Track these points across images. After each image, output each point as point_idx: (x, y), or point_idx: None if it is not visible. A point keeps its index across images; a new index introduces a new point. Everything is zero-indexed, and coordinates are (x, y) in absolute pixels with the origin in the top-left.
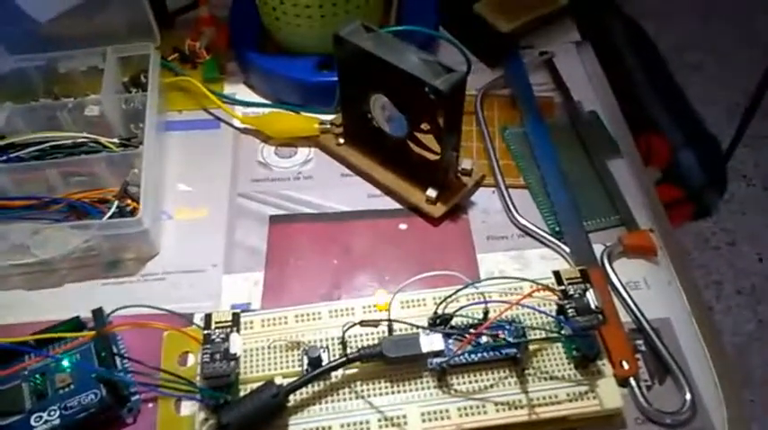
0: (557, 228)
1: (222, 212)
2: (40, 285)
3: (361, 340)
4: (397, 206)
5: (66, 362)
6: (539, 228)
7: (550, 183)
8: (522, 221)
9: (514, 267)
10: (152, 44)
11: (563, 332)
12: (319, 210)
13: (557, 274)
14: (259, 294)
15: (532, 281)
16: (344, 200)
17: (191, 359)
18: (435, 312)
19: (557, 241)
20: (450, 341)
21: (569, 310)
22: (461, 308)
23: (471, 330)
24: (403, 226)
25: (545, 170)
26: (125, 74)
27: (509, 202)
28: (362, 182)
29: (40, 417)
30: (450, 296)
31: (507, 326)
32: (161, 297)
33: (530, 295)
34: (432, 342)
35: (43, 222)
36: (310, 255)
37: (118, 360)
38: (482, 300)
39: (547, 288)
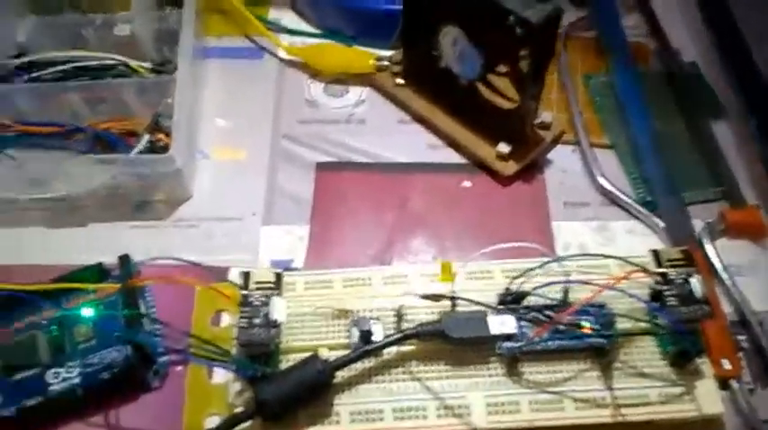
0: (647, 198)
1: (263, 155)
2: (61, 223)
3: (418, 314)
4: (462, 160)
5: (87, 312)
6: (626, 196)
7: (641, 145)
8: (607, 187)
9: (596, 240)
10: None
11: (658, 322)
12: (372, 160)
13: (655, 254)
14: (303, 250)
15: (623, 259)
16: (401, 149)
17: (225, 319)
18: (507, 289)
19: (648, 213)
20: (524, 323)
21: (669, 298)
22: (539, 287)
23: (549, 313)
24: (467, 183)
25: (635, 128)
26: None
27: (592, 164)
28: (422, 130)
29: (58, 374)
30: (528, 270)
31: (591, 311)
32: (193, 246)
33: (626, 277)
34: (502, 323)
35: (66, 153)
36: (360, 210)
37: (147, 323)
38: (563, 278)
39: (644, 270)
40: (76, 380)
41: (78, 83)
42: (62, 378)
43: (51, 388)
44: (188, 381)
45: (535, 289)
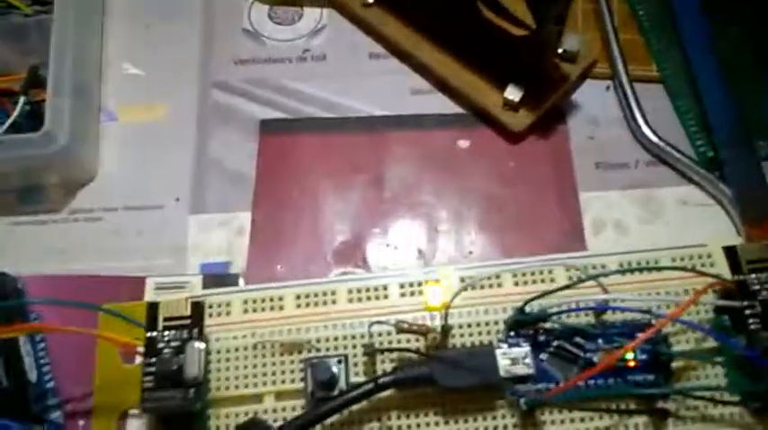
0: (709, 153)
1: (189, 112)
2: None
3: (399, 343)
4: (457, 110)
5: None
6: (680, 152)
7: (702, 77)
8: (654, 139)
9: (639, 216)
10: None
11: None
12: (335, 113)
13: (730, 253)
14: (243, 249)
15: (681, 268)
16: (374, 97)
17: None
18: (521, 309)
19: (710, 175)
20: (544, 356)
21: (749, 319)
22: (562, 309)
23: (580, 340)
24: (464, 143)
25: (692, 54)
26: None
27: (633, 106)
28: (403, 69)
29: None
30: (548, 293)
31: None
32: (97, 246)
33: (693, 302)
34: (514, 359)
35: None
36: (320, 187)
37: (31, 367)
38: (598, 294)
39: (721, 281)
40: None
41: None
42: None
43: None
44: None
45: (557, 311)
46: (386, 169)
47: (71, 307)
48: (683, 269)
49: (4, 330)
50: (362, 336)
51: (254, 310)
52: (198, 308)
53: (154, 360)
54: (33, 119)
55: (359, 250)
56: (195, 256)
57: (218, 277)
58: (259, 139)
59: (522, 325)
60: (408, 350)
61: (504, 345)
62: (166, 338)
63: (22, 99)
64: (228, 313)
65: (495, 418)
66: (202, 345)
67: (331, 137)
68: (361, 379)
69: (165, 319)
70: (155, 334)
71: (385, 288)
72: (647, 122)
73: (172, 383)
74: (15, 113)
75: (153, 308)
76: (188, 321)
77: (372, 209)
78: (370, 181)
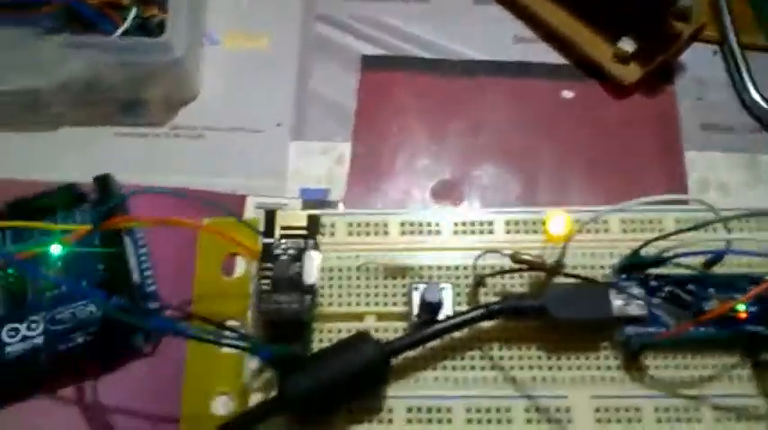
0: None
1: (292, 43)
2: (23, 126)
3: (502, 278)
4: (562, 61)
5: (55, 249)
6: None
7: None
8: (763, 105)
9: (742, 180)
10: None
11: None
12: (437, 55)
13: None
14: (342, 177)
15: None
16: (477, 41)
17: (240, 265)
18: (636, 252)
19: None
20: (656, 301)
21: None
22: (676, 252)
23: (692, 288)
24: (568, 93)
25: None
26: None
27: (742, 71)
28: (508, 15)
29: (16, 331)
30: (667, 236)
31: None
32: (197, 163)
33: None
34: (626, 300)
35: (28, 30)
36: (420, 126)
37: (134, 265)
38: (716, 240)
39: None
40: (39, 340)
41: None
42: (21, 336)
43: (8, 350)
44: (190, 348)
45: (670, 256)
46: (485, 114)
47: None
48: None
49: (117, 220)
50: (466, 268)
51: (359, 234)
52: (314, 220)
53: (271, 265)
54: (141, 32)
55: (457, 190)
56: (294, 181)
57: (317, 202)
58: (360, 74)
59: (636, 268)
60: (526, 268)
61: (615, 286)
62: (283, 246)
63: (133, 10)
64: (333, 234)
65: (598, 358)
66: (320, 255)
67: (431, 77)
68: (464, 308)
69: (282, 228)
70: (272, 240)
71: (490, 224)
72: (756, 88)
73: (288, 289)
74: (128, 22)
75: (270, 215)
76: (304, 232)
77: (471, 151)
78: (470, 124)
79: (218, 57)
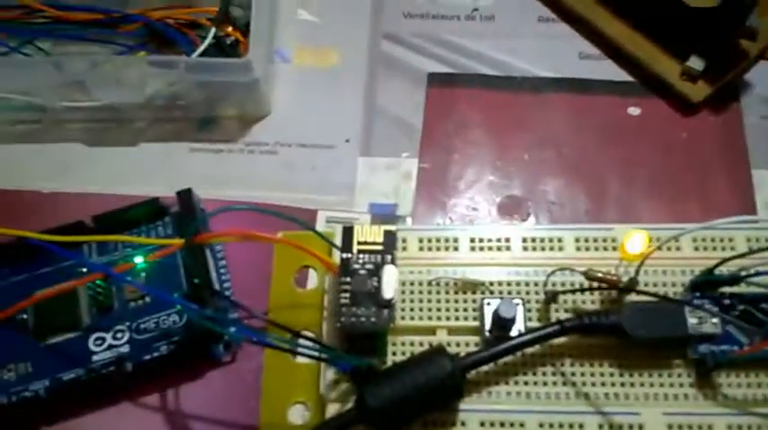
0: None
1: (360, 61)
2: (105, 141)
3: (574, 295)
4: (628, 78)
5: (139, 261)
6: None
7: None
8: None
9: None
10: None
11: None
12: (502, 72)
13: None
14: (410, 193)
15: None
16: (543, 59)
17: (312, 277)
18: (711, 270)
19: None
20: (729, 318)
21: None
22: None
23: (765, 308)
24: (634, 110)
25: None
26: None
27: None
28: (574, 33)
29: (102, 340)
30: (746, 254)
31: None
32: (270, 178)
33: None
34: (702, 317)
35: (110, 48)
36: (486, 141)
37: (215, 276)
38: None
39: None
40: (125, 350)
41: None
42: (107, 345)
43: (95, 358)
44: (267, 357)
45: (746, 275)
46: (551, 130)
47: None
48: None
49: (204, 237)
50: (536, 284)
51: (430, 249)
52: (390, 236)
53: (349, 279)
54: (218, 51)
55: (524, 205)
56: (363, 196)
57: (386, 217)
58: (426, 91)
59: (709, 286)
60: (601, 286)
61: (689, 305)
62: (361, 261)
63: (213, 30)
64: (404, 248)
65: (671, 376)
66: (397, 270)
67: (496, 94)
68: (536, 324)
69: (359, 243)
70: (350, 255)
71: (560, 240)
72: None
73: (366, 303)
74: (206, 42)
75: (348, 231)
76: (381, 247)
77: (537, 167)
78: (535, 140)
79: (289, 74)
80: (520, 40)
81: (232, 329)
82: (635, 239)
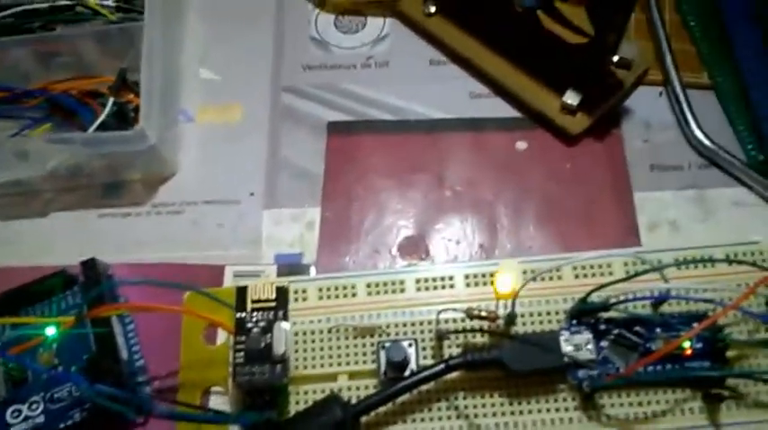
0: (760, 157)
1: (262, 114)
2: (16, 213)
3: (465, 330)
4: (514, 114)
5: (50, 331)
6: (731, 155)
7: (754, 83)
8: (706, 143)
9: (693, 215)
10: None
11: None
12: (398, 117)
13: None
14: (314, 241)
15: (738, 262)
16: (435, 101)
17: (221, 333)
18: (584, 299)
19: (761, 179)
20: (605, 344)
21: None
22: (622, 299)
23: (640, 329)
24: (522, 144)
25: (744, 61)
26: None
27: (686, 111)
28: (462, 74)
29: (19, 412)
30: (611, 284)
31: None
32: (178, 237)
33: (752, 291)
34: (577, 345)
35: (15, 123)
36: (385, 185)
37: (122, 343)
38: (659, 285)
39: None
40: (41, 420)
41: (24, 37)
42: (23, 416)
43: None
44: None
45: (616, 302)
46: (446, 169)
47: (158, 290)
48: (740, 262)
49: (103, 309)
50: (430, 323)
51: (329, 297)
52: (282, 292)
53: (243, 338)
54: (119, 118)
55: (422, 244)
56: (269, 248)
57: (291, 267)
58: (326, 140)
59: (585, 314)
60: (480, 330)
61: (567, 333)
62: (254, 319)
63: (111, 100)
64: (305, 299)
65: (556, 401)
66: (288, 326)
67: (393, 138)
68: (430, 362)
69: (253, 301)
70: (244, 314)
71: (451, 278)
72: (699, 127)
73: (260, 360)
74: (105, 113)
75: (242, 291)
76: (274, 304)
77: (434, 206)
78: (432, 180)
79: (194, 132)
80: (414, 84)
81: (133, 405)
82: (503, 279)
